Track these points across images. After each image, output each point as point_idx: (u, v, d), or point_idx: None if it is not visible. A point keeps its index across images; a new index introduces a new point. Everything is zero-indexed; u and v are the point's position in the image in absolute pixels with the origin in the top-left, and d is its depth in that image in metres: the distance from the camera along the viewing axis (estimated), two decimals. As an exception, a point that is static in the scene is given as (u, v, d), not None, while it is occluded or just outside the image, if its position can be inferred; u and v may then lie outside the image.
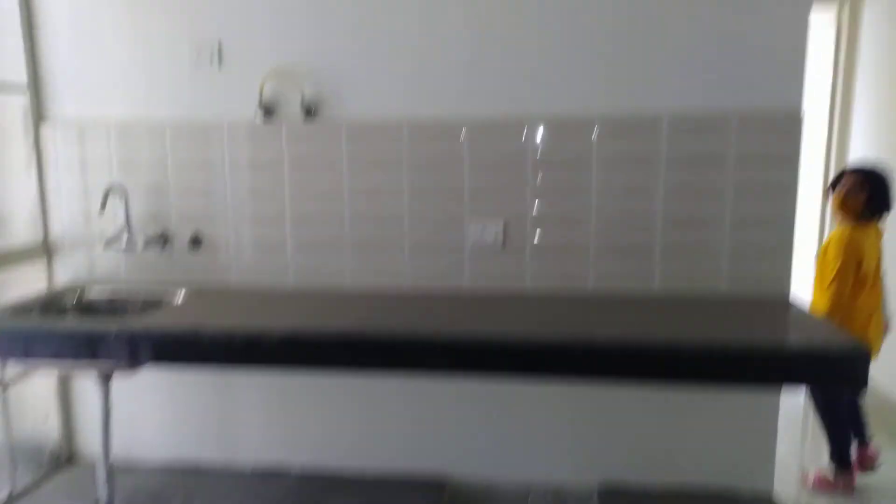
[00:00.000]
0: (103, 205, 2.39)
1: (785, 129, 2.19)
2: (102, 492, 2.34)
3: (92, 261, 2.65)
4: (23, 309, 2.32)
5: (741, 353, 1.73)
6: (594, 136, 2.26)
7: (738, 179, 2.23)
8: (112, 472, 2.36)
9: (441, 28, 2.31)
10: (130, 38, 2.50)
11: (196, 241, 2.54)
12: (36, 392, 2.74)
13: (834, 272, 2.64)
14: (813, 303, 2.78)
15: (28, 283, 2.64)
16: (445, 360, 1.87)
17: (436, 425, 2.55)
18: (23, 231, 2.64)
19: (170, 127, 2.51)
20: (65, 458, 2.83)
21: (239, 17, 2.41)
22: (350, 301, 2.32)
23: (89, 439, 2.82)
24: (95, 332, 1.98)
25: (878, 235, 2.78)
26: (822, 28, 3.99)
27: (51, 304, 2.44)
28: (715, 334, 1.86)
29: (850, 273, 2.63)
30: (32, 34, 2.57)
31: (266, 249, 2.52)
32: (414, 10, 2.32)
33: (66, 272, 2.69)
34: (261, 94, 2.41)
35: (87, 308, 2.51)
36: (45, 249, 2.69)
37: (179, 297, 2.42)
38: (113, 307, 2.50)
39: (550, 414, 2.47)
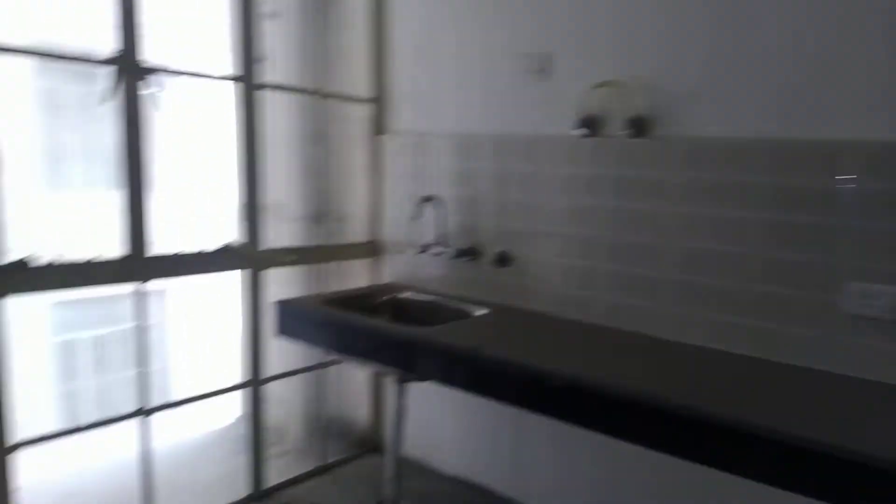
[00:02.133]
0: (417, 213, 2.38)
1: None
2: (388, 487, 2.36)
3: (412, 266, 2.70)
4: (342, 300, 2.42)
5: None
6: None
7: None
8: (400, 472, 2.37)
9: (832, 30, 1.71)
10: (466, 56, 2.47)
11: (503, 260, 2.38)
12: (356, 376, 2.92)
13: None
14: None
15: (356, 277, 2.83)
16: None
17: None
18: (358, 229, 2.83)
19: (492, 140, 2.39)
20: (370, 447, 2.96)
21: (573, 29, 2.17)
22: (663, 355, 1.88)
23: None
24: (382, 336, 2.00)
25: None
26: None
27: (366, 300, 2.51)
28: None
29: None
30: (381, 56, 2.74)
31: (575, 278, 2.22)
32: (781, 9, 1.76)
33: (388, 273, 2.79)
34: (586, 108, 2.11)
35: (397, 309, 2.54)
36: (373, 249, 2.83)
37: (480, 313, 2.29)
38: (420, 312, 2.49)
39: None
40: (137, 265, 2.07)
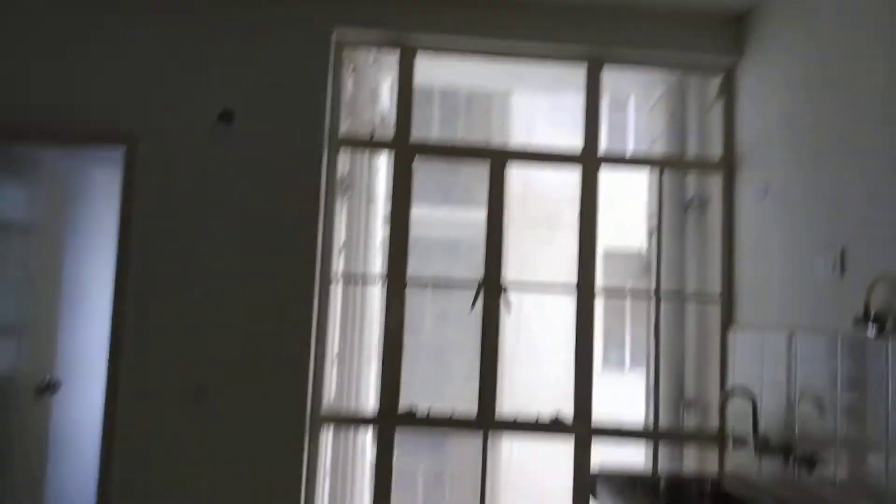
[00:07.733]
0: (723, 401, 2.45)
1: None
2: None
3: (737, 459, 2.70)
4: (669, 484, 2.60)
5: None
6: None
7: None
8: None
9: None
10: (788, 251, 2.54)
11: (811, 463, 2.21)
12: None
13: None
14: None
15: (709, 463, 2.94)
16: None
17: None
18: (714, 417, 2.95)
19: (799, 333, 2.35)
20: None
21: (865, 222, 2.11)
22: None
23: None
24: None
25: None
26: None
27: (689, 486, 2.61)
28: None
29: None
30: (731, 256, 2.96)
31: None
32: None
33: (727, 463, 2.82)
34: (868, 303, 1.96)
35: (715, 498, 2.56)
36: (715, 439, 2.89)
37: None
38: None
39: None
40: (485, 422, 2.80)
